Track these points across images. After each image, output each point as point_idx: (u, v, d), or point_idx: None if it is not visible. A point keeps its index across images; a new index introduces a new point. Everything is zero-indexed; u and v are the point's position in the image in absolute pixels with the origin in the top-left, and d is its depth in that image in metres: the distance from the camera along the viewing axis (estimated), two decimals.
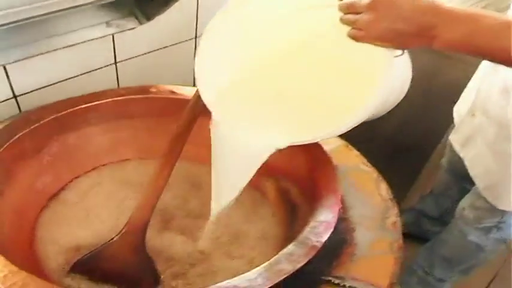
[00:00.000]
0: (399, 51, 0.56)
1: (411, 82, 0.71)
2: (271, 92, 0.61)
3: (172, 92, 0.77)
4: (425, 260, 1.20)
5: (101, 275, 0.64)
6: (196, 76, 0.62)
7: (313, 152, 0.69)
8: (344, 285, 0.61)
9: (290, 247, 0.55)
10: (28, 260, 0.63)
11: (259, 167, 0.60)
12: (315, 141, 0.62)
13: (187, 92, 0.77)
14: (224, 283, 0.50)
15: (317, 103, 0.59)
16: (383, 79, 0.55)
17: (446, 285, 1.21)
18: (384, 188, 0.76)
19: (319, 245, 0.56)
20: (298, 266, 0.53)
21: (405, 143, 1.25)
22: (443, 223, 1.27)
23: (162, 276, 0.65)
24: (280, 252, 0.55)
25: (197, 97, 0.69)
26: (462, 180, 1.12)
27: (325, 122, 0.57)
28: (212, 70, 0.62)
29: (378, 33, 0.54)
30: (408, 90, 0.73)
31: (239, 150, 0.60)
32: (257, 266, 0.65)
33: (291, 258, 0.54)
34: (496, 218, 0.98)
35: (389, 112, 1.16)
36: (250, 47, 0.61)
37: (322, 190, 0.63)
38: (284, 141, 0.58)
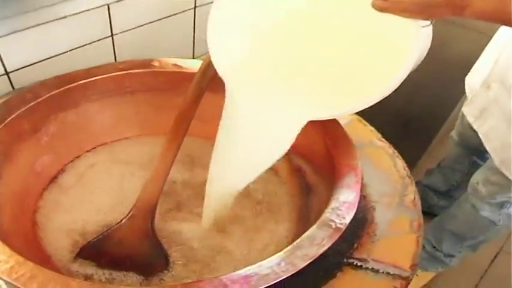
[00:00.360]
0: (427, 22, 0.52)
1: None
2: (291, 63, 0.56)
3: (176, 66, 0.72)
4: (433, 236, 1.18)
5: (108, 260, 0.60)
6: (209, 47, 0.57)
7: (329, 128, 0.65)
8: (367, 268, 0.59)
9: (313, 230, 0.52)
10: (32, 247, 0.59)
11: (285, 149, 0.56)
12: (340, 116, 0.58)
13: (192, 65, 0.72)
14: (244, 270, 0.47)
15: (340, 76, 0.54)
16: (411, 52, 0.51)
17: (454, 261, 1.19)
18: (400, 164, 0.73)
19: (343, 227, 0.53)
20: (323, 249, 0.50)
21: (413, 116, 1.22)
22: (450, 198, 1.25)
23: (172, 261, 0.61)
24: (303, 236, 0.51)
25: (203, 71, 0.65)
26: (473, 154, 1.10)
27: (350, 96, 0.53)
28: (226, 40, 0.57)
29: (405, 5, 0.49)
30: None
31: (259, 128, 0.56)
32: (271, 249, 0.64)
33: (315, 241, 0.51)
34: (510, 193, 0.96)
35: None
36: (266, 15, 0.56)
37: (341, 168, 0.60)
38: (310, 115, 0.53)
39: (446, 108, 1.22)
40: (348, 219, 0.54)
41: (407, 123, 1.22)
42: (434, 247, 1.17)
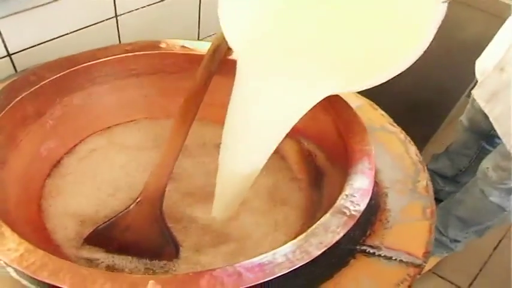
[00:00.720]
0: None
1: None
2: (306, 37, 0.54)
3: (184, 47, 0.70)
4: (439, 221, 1.17)
5: (117, 247, 0.59)
6: (220, 18, 0.55)
7: (341, 112, 0.63)
8: (379, 255, 0.58)
9: (327, 217, 0.51)
10: (38, 233, 0.58)
11: (293, 124, 0.54)
12: (355, 91, 0.56)
13: (200, 46, 0.70)
14: (258, 258, 0.46)
15: (357, 50, 0.52)
16: (431, 26, 0.49)
17: (459, 246, 1.19)
18: (412, 150, 0.71)
19: (357, 214, 0.52)
20: (338, 237, 0.49)
21: (421, 100, 1.20)
22: (457, 183, 1.24)
23: (182, 248, 0.60)
24: (317, 223, 0.50)
25: (212, 53, 0.64)
26: (482, 139, 1.08)
27: (367, 71, 0.51)
28: (239, 12, 0.54)
29: None
30: None
31: (272, 104, 0.53)
32: (283, 236, 0.63)
33: (330, 229, 0.49)
34: None
35: None
36: None
37: (354, 154, 0.58)
38: (326, 91, 0.51)
39: (455, 92, 1.20)
40: (362, 206, 0.53)
41: (415, 107, 1.20)
42: (440, 232, 1.17)
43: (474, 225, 1.11)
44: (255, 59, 0.54)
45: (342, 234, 0.49)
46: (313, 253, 0.47)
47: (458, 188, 1.18)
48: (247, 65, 0.54)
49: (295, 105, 0.53)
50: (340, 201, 0.53)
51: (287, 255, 0.46)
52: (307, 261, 0.46)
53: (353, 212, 0.52)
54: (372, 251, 0.58)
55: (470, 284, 1.35)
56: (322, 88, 0.52)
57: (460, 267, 1.34)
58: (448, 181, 1.28)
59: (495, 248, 1.42)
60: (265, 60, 0.53)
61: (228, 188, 0.63)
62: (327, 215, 0.51)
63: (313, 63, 0.53)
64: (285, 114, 0.54)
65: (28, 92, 0.60)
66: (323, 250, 0.47)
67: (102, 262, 0.58)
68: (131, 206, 0.60)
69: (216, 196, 0.63)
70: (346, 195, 0.53)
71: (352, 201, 0.53)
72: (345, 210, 0.52)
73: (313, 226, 0.50)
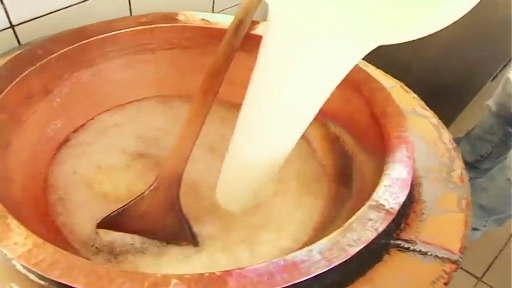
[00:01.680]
0: None
1: None
2: None
3: (204, 20, 0.64)
4: None
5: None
6: None
7: (377, 95, 0.58)
8: (414, 250, 0.53)
9: (364, 210, 0.46)
10: (44, 221, 0.53)
11: (330, 92, 0.48)
12: (398, 42, 0.48)
13: (222, 20, 0.64)
14: (292, 256, 0.41)
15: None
16: None
17: (477, 234, 1.15)
18: (446, 136, 0.66)
19: (397, 207, 0.47)
20: (376, 233, 0.45)
21: (443, 85, 1.14)
22: (476, 169, 1.19)
23: (198, 238, 0.56)
24: (353, 218, 0.46)
25: (235, 27, 0.58)
26: (508, 125, 1.03)
27: (417, 17, 0.43)
28: None
29: None
30: None
31: (310, 67, 0.45)
32: (309, 228, 0.58)
33: (368, 224, 0.45)
34: None
35: (427, 45, 1.04)
36: None
37: (391, 140, 0.53)
38: (371, 43, 0.43)
39: (481, 76, 1.13)
40: (402, 199, 0.48)
41: (437, 92, 1.14)
42: None
43: (495, 214, 1.07)
44: (294, 12, 0.45)
45: (381, 230, 0.45)
46: (350, 251, 0.43)
47: (477, 175, 1.13)
48: (283, 20, 0.45)
49: (337, 65, 0.45)
50: (378, 193, 0.48)
51: (323, 252, 0.42)
52: (345, 259, 0.42)
53: (392, 205, 0.47)
54: (406, 245, 0.53)
55: (485, 273, 1.32)
56: (368, 40, 0.44)
57: (475, 255, 1.30)
58: (468, 167, 1.23)
59: (510, 237, 1.39)
60: (307, 11, 0.45)
61: (246, 178, 0.58)
62: (364, 208, 0.46)
63: (355, 9, 0.45)
64: (323, 80, 0.46)
65: (34, 67, 0.55)
66: (361, 247, 0.43)
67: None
68: (146, 192, 0.55)
69: (221, 185, 0.59)
70: (385, 186, 0.49)
71: (391, 193, 0.48)
72: (384, 203, 0.47)
73: (350, 220, 0.45)
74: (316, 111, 0.50)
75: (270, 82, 0.48)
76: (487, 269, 1.32)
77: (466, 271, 1.29)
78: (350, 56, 0.44)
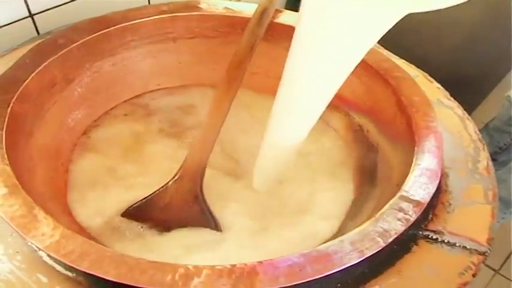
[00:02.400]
0: None
1: None
2: None
3: (227, 9, 0.63)
4: None
5: (153, 228, 0.55)
6: None
7: (403, 85, 0.57)
8: (442, 241, 0.52)
9: (395, 201, 0.45)
10: (66, 212, 0.53)
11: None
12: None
13: (245, 8, 0.63)
14: (325, 247, 0.41)
15: None
16: None
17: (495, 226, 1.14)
18: (471, 127, 0.65)
19: (427, 198, 0.46)
20: (408, 224, 0.44)
21: (464, 73, 1.12)
22: (494, 161, 1.17)
23: (223, 229, 0.55)
24: (384, 208, 0.45)
25: (259, 15, 0.57)
26: None
27: None
28: None
29: None
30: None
31: (343, 27, 0.43)
32: (334, 216, 0.58)
33: (399, 214, 0.44)
34: None
35: (447, 34, 1.01)
36: None
37: (419, 130, 0.52)
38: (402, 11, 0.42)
39: (500, 68, 1.11)
40: (432, 189, 0.47)
41: (455, 81, 1.12)
42: None
43: None
44: None
45: (412, 221, 0.44)
46: (381, 242, 0.42)
47: (495, 167, 1.12)
48: None
49: (369, 32, 0.43)
50: (408, 183, 0.47)
51: (355, 243, 0.41)
52: (377, 250, 0.41)
53: (423, 196, 0.46)
54: (434, 236, 0.52)
55: (502, 265, 1.30)
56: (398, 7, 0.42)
57: (493, 248, 1.29)
58: None
59: None
60: None
61: (271, 159, 0.57)
62: (395, 198, 0.46)
63: None
64: (352, 50, 0.45)
65: (56, 56, 0.54)
66: (393, 239, 0.42)
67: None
68: (169, 183, 0.55)
69: (258, 169, 0.58)
70: (415, 177, 0.48)
71: (420, 184, 0.47)
72: (414, 194, 0.46)
73: (381, 211, 0.44)
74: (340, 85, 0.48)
75: (306, 53, 0.47)
76: (504, 262, 1.31)
77: (483, 263, 1.28)
78: (382, 23, 0.43)
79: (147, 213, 0.54)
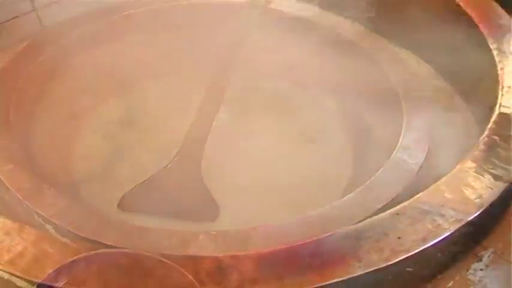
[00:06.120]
0: None
1: None
2: None
3: None
4: None
5: (153, 208, 0.55)
6: None
7: None
8: None
9: None
10: (72, 191, 0.55)
11: None
12: None
13: None
14: (315, 213, 0.42)
15: None
16: None
17: None
18: None
19: None
20: None
21: None
22: None
23: (222, 210, 0.56)
24: None
25: None
26: None
27: None
28: None
29: None
30: None
31: None
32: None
33: None
34: None
35: None
36: None
37: None
38: None
39: None
40: None
41: None
42: None
43: None
44: None
45: None
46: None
47: None
48: None
49: None
50: None
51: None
52: None
53: None
54: None
55: None
56: None
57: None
58: None
59: None
60: None
61: None
62: None
63: None
64: None
65: (59, 43, 0.56)
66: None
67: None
68: (168, 165, 0.56)
69: None
70: None
71: None
72: None
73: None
74: None
75: None
76: None
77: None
78: None
79: (146, 196, 0.55)
